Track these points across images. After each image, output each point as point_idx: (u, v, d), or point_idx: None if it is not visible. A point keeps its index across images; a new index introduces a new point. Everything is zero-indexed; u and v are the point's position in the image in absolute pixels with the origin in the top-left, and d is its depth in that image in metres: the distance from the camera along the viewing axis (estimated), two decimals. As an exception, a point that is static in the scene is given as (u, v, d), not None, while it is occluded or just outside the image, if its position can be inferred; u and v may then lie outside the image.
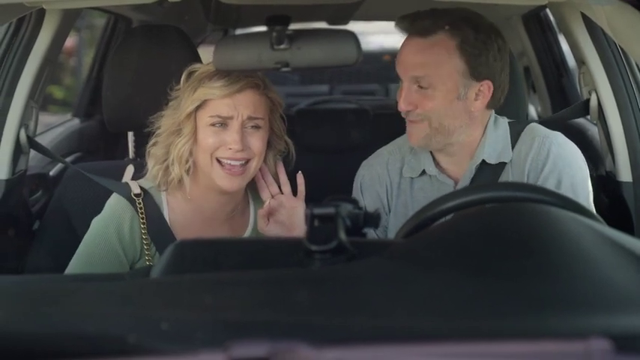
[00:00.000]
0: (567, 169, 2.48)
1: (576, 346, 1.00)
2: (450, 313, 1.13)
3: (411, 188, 2.59)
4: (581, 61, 3.09)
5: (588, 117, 3.14)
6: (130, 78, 2.98)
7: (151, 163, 2.49)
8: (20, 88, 2.97)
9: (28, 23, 3.03)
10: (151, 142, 2.51)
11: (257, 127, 2.44)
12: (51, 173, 3.45)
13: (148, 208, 2.48)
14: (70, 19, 3.14)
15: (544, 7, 3.76)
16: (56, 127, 4.26)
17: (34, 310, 1.21)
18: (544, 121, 2.70)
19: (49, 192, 3.29)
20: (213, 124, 2.40)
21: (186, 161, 2.43)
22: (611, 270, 1.20)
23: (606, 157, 3.05)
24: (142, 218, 2.46)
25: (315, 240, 1.31)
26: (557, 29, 4.25)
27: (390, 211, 2.61)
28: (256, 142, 2.43)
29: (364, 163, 2.72)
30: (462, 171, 2.53)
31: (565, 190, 2.43)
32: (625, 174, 2.95)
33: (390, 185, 2.62)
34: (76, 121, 4.42)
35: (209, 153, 2.40)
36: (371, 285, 1.22)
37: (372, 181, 2.64)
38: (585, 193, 2.50)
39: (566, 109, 3.26)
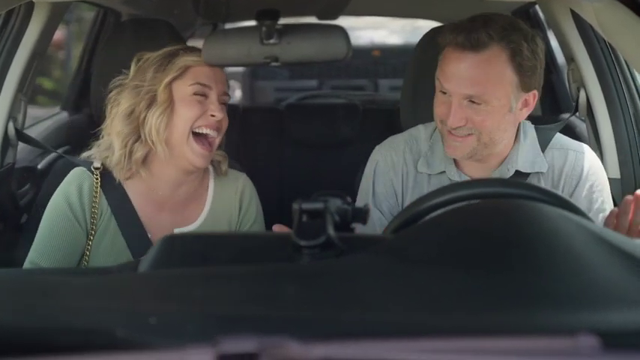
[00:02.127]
0: (599, 187, 2.49)
1: (564, 342, 1.01)
2: (438, 309, 1.13)
3: (428, 183, 2.52)
4: (570, 58, 3.10)
5: (577, 113, 3.15)
6: (118, 72, 2.97)
7: (116, 143, 2.47)
8: (9, 81, 2.97)
9: (16, 16, 3.03)
10: (108, 122, 2.51)
11: (225, 104, 2.51)
12: (39, 166, 3.44)
13: (106, 180, 2.52)
14: (58, 12, 3.14)
15: (534, 3, 3.77)
16: (45, 120, 4.24)
17: (21, 304, 1.21)
18: (538, 121, 2.67)
19: (37, 185, 3.28)
20: (195, 93, 2.44)
21: (163, 132, 2.44)
22: (599, 267, 1.20)
23: (594, 153, 3.06)
24: (96, 189, 2.50)
25: (304, 235, 1.31)
26: (546, 26, 4.26)
27: (402, 202, 2.54)
28: (225, 118, 2.50)
29: (378, 148, 2.62)
30: (487, 175, 2.47)
31: (597, 207, 2.46)
32: (613, 171, 2.96)
33: (406, 175, 2.54)
34: (65, 115, 4.41)
35: (189, 125, 2.43)
36: (360, 280, 1.22)
37: (386, 167, 2.56)
38: (611, 206, 2.51)
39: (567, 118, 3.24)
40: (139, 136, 2.46)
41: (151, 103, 2.44)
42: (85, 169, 2.53)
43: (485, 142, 2.35)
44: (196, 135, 2.44)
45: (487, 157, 2.44)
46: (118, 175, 2.50)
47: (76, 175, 2.53)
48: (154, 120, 2.42)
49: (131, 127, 2.45)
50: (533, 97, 2.37)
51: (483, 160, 2.45)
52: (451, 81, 2.31)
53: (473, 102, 2.30)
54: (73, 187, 2.50)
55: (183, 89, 2.44)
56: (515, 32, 2.30)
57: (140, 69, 2.48)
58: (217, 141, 2.48)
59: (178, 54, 2.47)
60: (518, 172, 2.46)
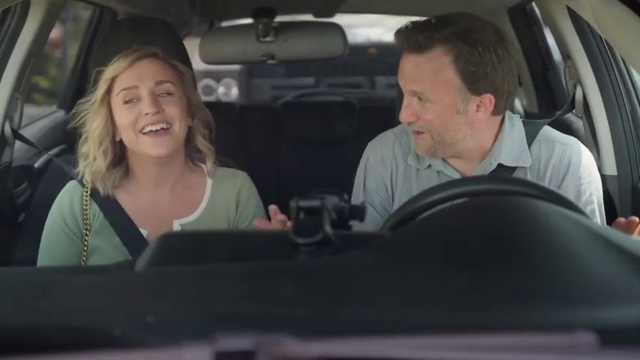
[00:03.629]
0: (587, 179, 2.50)
1: (561, 339, 1.01)
2: (435, 306, 1.13)
3: (417, 177, 2.57)
4: (566, 55, 3.10)
5: (574, 111, 3.15)
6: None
7: (80, 164, 2.56)
8: (5, 79, 2.97)
9: (13, 15, 3.03)
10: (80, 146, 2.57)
11: (169, 93, 2.50)
12: (36, 165, 3.44)
13: (97, 189, 2.56)
14: (55, 11, 3.14)
15: (530, 0, 3.77)
16: (41, 119, 4.24)
17: (19, 303, 1.21)
18: (534, 118, 2.68)
19: (34, 184, 3.28)
20: (125, 102, 2.47)
21: (101, 143, 2.50)
22: (596, 263, 1.20)
23: (591, 150, 3.06)
24: (86, 195, 2.57)
25: (301, 233, 1.31)
26: (542, 22, 4.26)
27: (393, 195, 2.60)
28: (172, 107, 2.49)
29: (370, 144, 2.70)
30: (472, 168, 2.52)
31: (585, 199, 2.48)
32: (610, 168, 2.96)
33: (395, 169, 2.60)
34: (61, 113, 4.41)
35: (131, 129, 2.47)
36: (357, 277, 1.22)
37: (376, 162, 2.62)
38: (601, 201, 2.54)
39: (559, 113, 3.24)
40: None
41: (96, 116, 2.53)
42: (76, 182, 2.61)
43: (439, 141, 2.43)
44: (145, 133, 2.47)
45: (456, 153, 2.49)
46: (105, 189, 2.56)
47: (67, 189, 2.62)
48: (91, 132, 2.51)
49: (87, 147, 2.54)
50: (489, 101, 2.38)
51: (459, 156, 2.51)
52: (400, 78, 2.45)
53: (421, 100, 2.39)
54: (65, 200, 2.59)
55: (115, 100, 2.50)
56: (463, 36, 2.35)
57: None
58: (175, 129, 2.49)
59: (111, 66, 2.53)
60: (501, 166, 2.48)
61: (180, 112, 2.50)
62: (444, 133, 2.41)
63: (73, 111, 2.60)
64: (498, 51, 2.36)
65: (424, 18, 2.47)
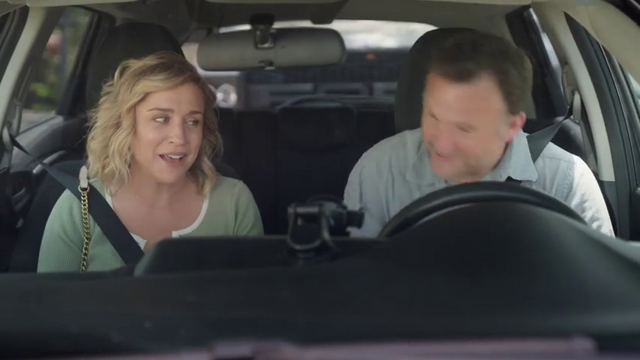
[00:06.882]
0: (591, 196, 2.51)
1: (559, 345, 1.01)
2: (433, 312, 1.13)
3: (418, 192, 2.50)
4: (564, 61, 3.10)
5: (571, 117, 3.15)
6: (113, 76, 2.97)
7: (90, 158, 2.51)
8: (3, 86, 2.96)
9: (11, 21, 3.02)
10: (89, 137, 2.52)
11: (196, 121, 2.46)
12: (34, 171, 3.44)
13: (93, 198, 2.55)
14: (53, 17, 3.14)
15: (527, 6, 3.77)
16: (40, 125, 4.24)
17: (17, 309, 1.21)
18: (532, 125, 2.67)
19: (32, 190, 3.28)
20: (154, 119, 2.41)
21: (126, 154, 2.45)
22: (594, 270, 1.20)
23: (589, 156, 3.06)
24: (84, 207, 2.54)
25: (299, 239, 1.31)
26: (540, 29, 4.26)
27: (388, 208, 2.54)
28: (195, 137, 2.46)
29: (365, 155, 2.63)
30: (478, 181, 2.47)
31: (591, 214, 2.48)
32: (607, 173, 2.96)
33: (391, 181, 2.54)
34: (60, 119, 4.41)
35: (151, 149, 2.42)
36: (354, 284, 1.22)
37: (371, 173, 2.56)
38: (608, 219, 2.54)
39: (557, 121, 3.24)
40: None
41: (118, 124, 2.45)
42: (71, 193, 2.58)
43: (472, 165, 2.38)
44: (162, 156, 2.44)
45: (477, 168, 2.45)
46: (107, 187, 2.55)
47: (65, 198, 2.59)
48: (116, 144, 2.44)
49: (102, 145, 2.47)
50: (520, 119, 2.37)
51: (473, 170, 2.46)
52: (440, 108, 2.30)
53: (462, 129, 2.29)
54: (65, 209, 2.56)
55: (144, 114, 2.42)
56: (504, 59, 2.29)
57: (119, 80, 2.48)
58: (189, 158, 2.47)
59: (143, 75, 2.43)
60: (509, 179, 2.46)
61: (199, 142, 2.48)
62: (482, 157, 2.37)
63: (89, 114, 2.55)
64: (526, 65, 2.33)
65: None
